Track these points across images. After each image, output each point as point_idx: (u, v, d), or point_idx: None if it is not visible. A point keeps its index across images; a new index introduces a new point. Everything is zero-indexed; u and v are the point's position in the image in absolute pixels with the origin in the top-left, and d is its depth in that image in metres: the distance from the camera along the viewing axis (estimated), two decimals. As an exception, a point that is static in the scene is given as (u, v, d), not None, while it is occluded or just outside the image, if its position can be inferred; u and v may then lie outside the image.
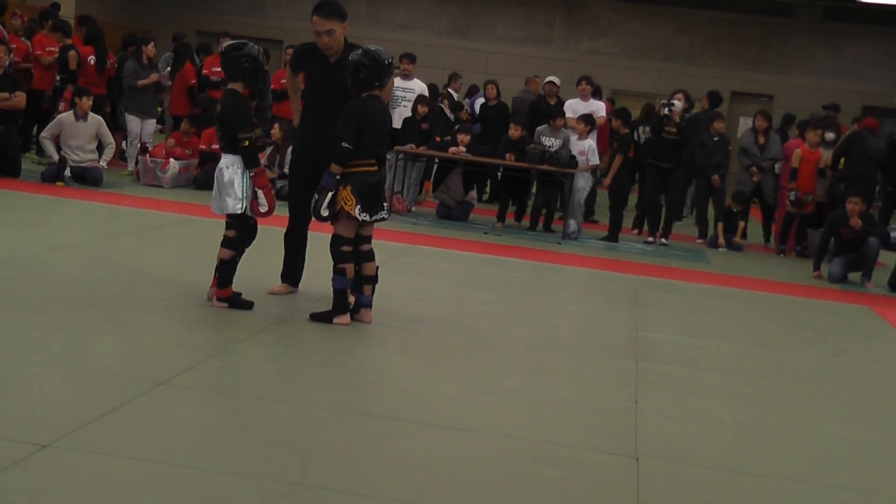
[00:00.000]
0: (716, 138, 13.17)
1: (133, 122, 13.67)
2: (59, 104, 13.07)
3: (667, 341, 7.03)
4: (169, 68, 14.94)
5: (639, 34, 25.02)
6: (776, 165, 13.31)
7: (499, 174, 13.63)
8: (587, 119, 12.65)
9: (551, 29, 25.42)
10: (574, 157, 12.10)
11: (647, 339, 6.97)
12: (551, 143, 12.63)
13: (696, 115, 14.71)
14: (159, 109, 15.05)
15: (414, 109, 13.03)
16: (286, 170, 12.42)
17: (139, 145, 13.38)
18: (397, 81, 13.37)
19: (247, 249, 6.45)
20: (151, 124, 13.89)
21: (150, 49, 14.06)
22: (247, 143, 6.21)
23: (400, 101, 13.15)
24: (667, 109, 12.44)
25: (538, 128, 12.96)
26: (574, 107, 13.44)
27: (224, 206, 6.28)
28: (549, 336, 6.83)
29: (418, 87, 13.52)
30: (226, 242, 6.33)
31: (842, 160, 12.77)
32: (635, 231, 13.62)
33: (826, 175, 12.85)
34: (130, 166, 13.42)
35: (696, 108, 15.65)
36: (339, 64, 6.50)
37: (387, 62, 6.17)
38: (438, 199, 13.13)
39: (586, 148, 12.41)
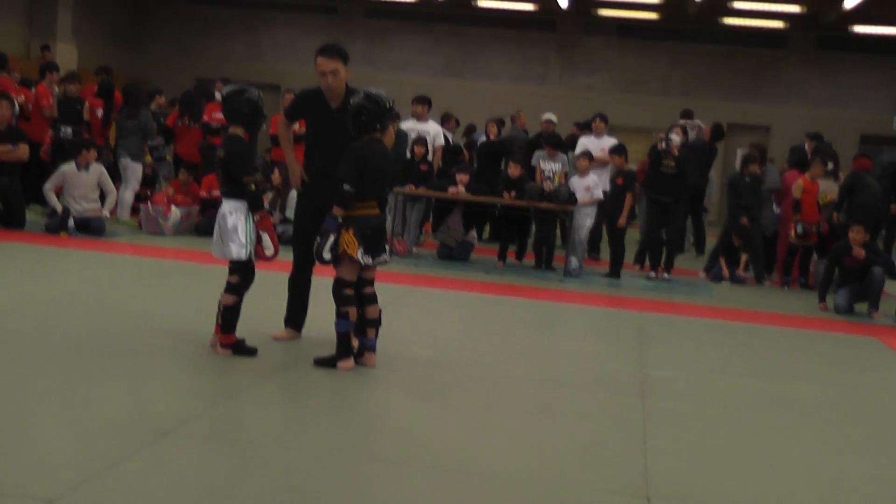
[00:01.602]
0: (747, 179, 13.09)
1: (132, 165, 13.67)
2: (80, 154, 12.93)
3: (673, 377, 6.99)
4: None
5: (633, 68, 25.17)
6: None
7: (496, 211, 13.63)
8: (587, 156, 12.65)
9: (546, 66, 25.57)
10: (573, 193, 12.10)
11: (653, 375, 6.93)
12: (550, 167, 12.67)
13: (693, 144, 14.74)
14: (168, 157, 15.07)
15: (412, 150, 13.07)
16: (287, 214, 12.46)
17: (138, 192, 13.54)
18: (412, 124, 13.44)
19: (246, 294, 6.43)
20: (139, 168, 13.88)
21: (160, 100, 14.52)
22: (252, 186, 6.21)
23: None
24: (664, 144, 12.45)
25: (536, 153, 13.05)
26: (587, 144, 13.45)
27: (228, 251, 6.26)
28: (554, 375, 6.79)
29: (434, 129, 13.58)
30: (229, 288, 6.31)
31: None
32: (637, 266, 13.59)
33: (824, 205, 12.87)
34: (125, 214, 13.39)
35: (692, 131, 15.62)
36: (340, 110, 6.51)
37: (388, 105, 6.19)
38: (439, 239, 13.12)
39: (591, 183, 12.41)
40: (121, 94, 14.30)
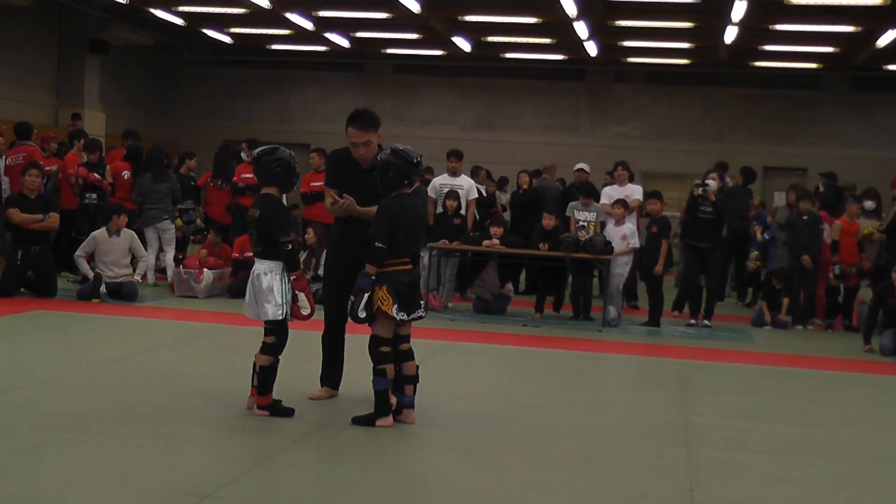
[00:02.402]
0: (805, 217, 13.05)
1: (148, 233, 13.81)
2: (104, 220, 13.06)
3: (718, 425, 6.93)
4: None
5: (665, 115, 25.19)
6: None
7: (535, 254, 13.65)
8: (622, 203, 12.66)
9: (577, 116, 25.66)
10: (609, 242, 12.10)
11: (698, 424, 6.88)
12: (584, 216, 12.70)
13: (730, 190, 14.74)
14: (198, 220, 15.23)
15: (444, 205, 13.15)
16: (321, 272, 12.52)
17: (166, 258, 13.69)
18: (445, 179, 13.54)
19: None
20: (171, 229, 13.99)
21: (192, 163, 14.74)
22: (289, 246, 6.27)
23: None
24: (701, 189, 12.45)
25: (570, 203, 13.10)
26: (610, 193, 13.45)
27: (264, 312, 6.30)
28: (595, 426, 6.76)
29: (467, 183, 13.68)
30: (265, 349, 6.34)
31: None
32: (676, 313, 13.54)
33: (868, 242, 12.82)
34: (150, 277, 13.51)
35: (731, 181, 15.66)
36: (370, 170, 6.54)
37: (415, 161, 6.25)
38: (475, 293, 13.14)
39: (626, 232, 12.41)
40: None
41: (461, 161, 13.81)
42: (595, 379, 9.08)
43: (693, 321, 12.59)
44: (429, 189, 13.67)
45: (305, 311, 6.35)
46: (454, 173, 13.67)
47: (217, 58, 26.91)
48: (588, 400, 7.80)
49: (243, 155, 14.86)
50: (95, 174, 13.98)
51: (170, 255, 13.77)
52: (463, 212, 13.19)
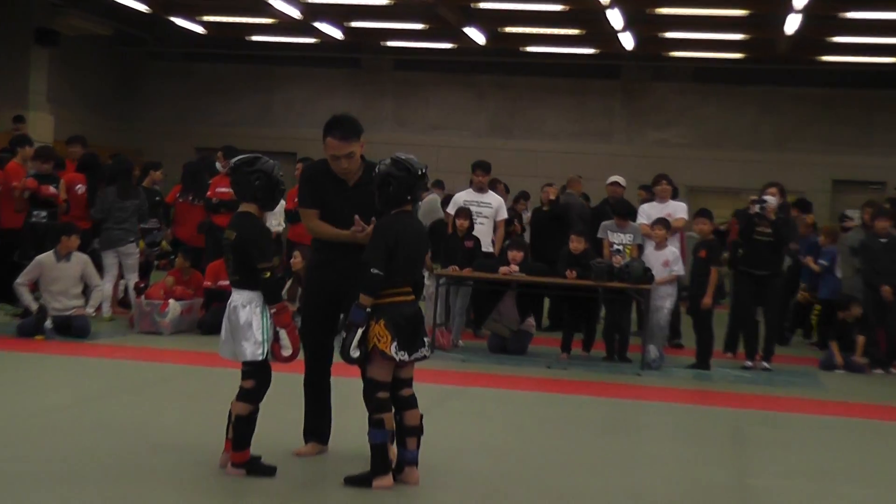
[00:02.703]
0: (883, 240, 13.00)
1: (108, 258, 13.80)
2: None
3: (780, 487, 6.89)
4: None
5: (715, 119, 25.23)
6: None
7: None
8: (664, 223, 12.63)
9: (610, 120, 25.72)
10: (648, 269, 12.08)
11: (756, 486, 6.84)
12: (620, 239, 12.68)
13: (790, 220, 14.68)
14: (163, 243, 15.24)
15: (453, 224, 13.15)
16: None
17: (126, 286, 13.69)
18: (470, 195, 13.59)
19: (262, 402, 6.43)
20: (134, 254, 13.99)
21: (157, 175, 14.96)
22: (268, 274, 6.26)
23: (476, 217, 13.32)
24: (758, 207, 12.43)
25: (603, 223, 13.08)
26: (650, 211, 13.43)
27: (241, 351, 6.29)
28: (634, 488, 6.71)
29: (495, 201, 13.74)
30: (243, 395, 6.32)
31: None
32: (729, 354, 13.49)
33: None
34: (106, 309, 13.51)
35: (790, 199, 15.65)
36: (357, 186, 6.56)
37: (419, 172, 6.24)
38: (490, 329, 13.11)
39: (669, 257, 12.39)
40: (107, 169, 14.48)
41: (489, 174, 13.88)
42: (632, 431, 9.03)
43: (749, 363, 12.54)
44: (450, 206, 13.71)
45: (287, 352, 6.32)
46: (481, 189, 13.72)
47: (187, 51, 27.07)
48: (625, 456, 7.75)
49: (218, 165, 14.85)
50: (51, 187, 13.92)
51: (132, 283, 13.75)
52: (476, 233, 13.19)
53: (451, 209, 13.67)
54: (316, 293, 6.82)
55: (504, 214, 13.83)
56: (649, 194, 14.96)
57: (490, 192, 13.92)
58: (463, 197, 13.70)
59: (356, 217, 6.47)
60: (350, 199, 6.60)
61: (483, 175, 13.75)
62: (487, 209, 13.54)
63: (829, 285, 14.49)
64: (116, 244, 13.74)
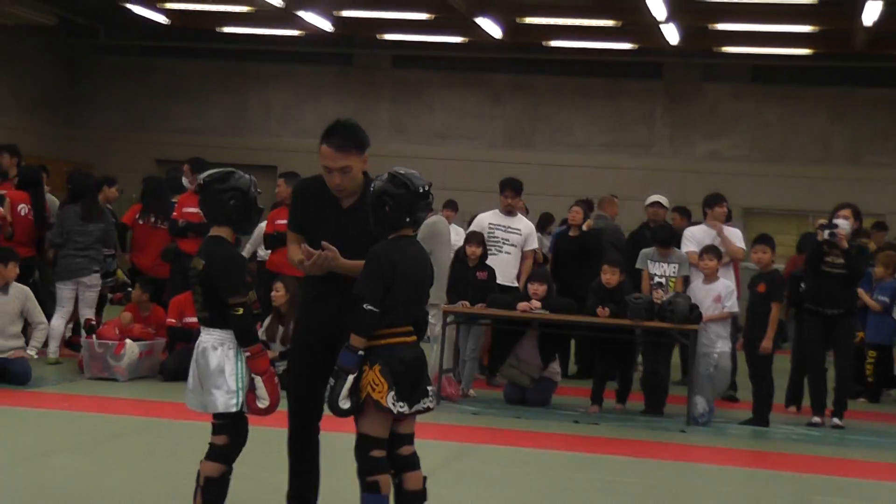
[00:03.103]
0: None
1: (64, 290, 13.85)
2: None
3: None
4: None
5: (776, 127, 25.21)
6: None
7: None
8: (715, 252, 12.63)
9: (650, 128, 25.73)
10: (696, 306, 12.11)
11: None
12: (662, 270, 12.72)
13: (865, 249, 14.69)
14: (118, 272, 15.29)
15: (463, 252, 13.22)
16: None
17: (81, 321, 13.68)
18: (497, 218, 13.70)
19: (236, 461, 6.46)
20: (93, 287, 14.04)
21: (111, 192, 14.91)
22: (240, 311, 6.29)
23: (502, 245, 13.42)
24: (827, 233, 12.44)
25: (643, 251, 13.12)
26: (699, 237, 13.42)
27: (211, 402, 6.31)
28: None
29: (525, 227, 13.89)
30: (213, 454, 6.35)
31: None
32: (792, 408, 13.51)
33: None
34: (53, 350, 13.56)
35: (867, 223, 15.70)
36: (354, 210, 6.55)
37: (421, 190, 6.24)
38: (507, 376, 13.14)
39: (721, 292, 12.41)
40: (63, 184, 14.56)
41: (520, 195, 14.00)
42: (676, 500, 9.07)
43: (817, 419, 12.54)
44: (471, 228, 13.80)
45: (263, 403, 6.35)
46: (509, 212, 13.82)
47: (146, 44, 27.20)
48: (666, 529, 7.79)
49: (185, 181, 14.90)
50: None
51: (83, 320, 13.75)
52: (500, 263, 13.26)
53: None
54: (306, 334, 6.80)
55: (534, 244, 13.91)
56: (686, 220, 15.00)
57: (520, 216, 14.00)
58: (488, 219, 13.77)
59: (304, 245, 6.44)
60: (342, 222, 6.58)
61: (513, 196, 13.84)
62: (516, 236, 13.63)
63: (885, 327, 14.47)
64: (78, 274, 13.79)
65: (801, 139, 25.07)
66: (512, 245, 13.66)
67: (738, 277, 13.81)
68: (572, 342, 15.17)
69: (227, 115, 26.99)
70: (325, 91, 26.35)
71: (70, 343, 14.40)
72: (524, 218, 14.21)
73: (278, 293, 12.68)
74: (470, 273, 13.09)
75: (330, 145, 6.52)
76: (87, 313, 13.83)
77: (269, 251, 13.91)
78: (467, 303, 12.77)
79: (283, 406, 6.58)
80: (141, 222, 14.73)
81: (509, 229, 13.70)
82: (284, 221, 12.74)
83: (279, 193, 14.06)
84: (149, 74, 27.38)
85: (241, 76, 27.01)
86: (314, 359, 6.64)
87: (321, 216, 6.65)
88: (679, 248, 13.27)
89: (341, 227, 6.55)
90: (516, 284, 13.58)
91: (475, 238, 13.24)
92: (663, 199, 15.30)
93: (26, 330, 12.63)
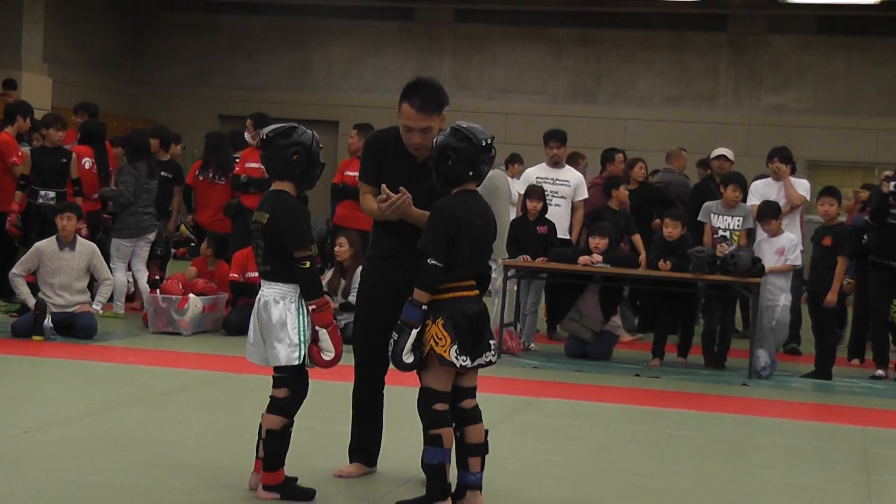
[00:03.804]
0: None
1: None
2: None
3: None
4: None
5: (844, 78, 24.98)
6: None
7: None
8: (774, 210, 12.48)
9: (714, 80, 25.56)
10: (759, 260, 12.04)
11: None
12: (727, 223, 12.66)
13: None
14: (184, 229, 15.33)
15: (524, 206, 13.20)
16: (353, 298, 12.55)
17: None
18: (545, 171, 13.67)
19: (299, 414, 6.50)
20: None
21: (177, 149, 15.06)
22: (307, 264, 6.31)
23: (551, 197, 13.40)
24: (893, 185, 12.35)
25: (705, 204, 13.05)
26: (762, 190, 13.34)
27: (274, 355, 6.35)
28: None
29: (574, 178, 13.83)
30: (275, 407, 6.39)
31: None
32: (855, 361, 13.44)
33: None
34: (117, 305, 13.66)
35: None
36: (427, 164, 6.54)
37: (484, 143, 6.24)
38: (568, 330, 13.14)
39: (785, 245, 12.34)
40: (120, 143, 14.60)
41: (565, 146, 13.93)
42: (739, 453, 9.03)
43: (880, 372, 12.48)
44: (519, 184, 13.78)
45: (328, 356, 6.36)
46: (556, 163, 13.77)
47: (209, 0, 27.20)
48: (731, 483, 7.76)
49: (247, 136, 14.93)
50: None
51: (142, 275, 13.82)
52: (550, 216, 13.23)
53: (520, 187, 13.72)
54: (375, 288, 6.84)
55: (584, 194, 13.81)
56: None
57: (567, 167, 13.95)
58: (535, 173, 13.74)
59: (383, 186, 6.49)
60: (414, 178, 6.60)
61: (559, 146, 13.76)
62: (564, 188, 13.58)
63: None
64: (144, 232, 13.83)
65: (868, 91, 24.83)
66: (561, 197, 13.60)
67: (802, 231, 13.71)
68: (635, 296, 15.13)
69: (290, 71, 27.04)
70: (386, 46, 26.33)
71: (128, 298, 14.35)
72: (572, 169, 14.11)
73: (342, 248, 12.67)
74: (530, 227, 13.08)
75: (412, 105, 6.56)
76: (141, 267, 13.90)
77: (335, 202, 13.92)
78: (528, 257, 12.77)
79: (345, 359, 6.59)
80: (200, 178, 14.76)
81: (557, 181, 13.64)
82: (353, 174, 12.94)
83: (351, 145, 14.11)
84: (212, 31, 27.46)
85: (304, 32, 27.01)
86: (381, 314, 6.65)
87: (393, 169, 6.69)
88: (745, 201, 13.15)
89: (413, 180, 6.57)
90: (569, 236, 13.55)
91: (535, 192, 13.20)
92: (728, 152, 15.22)
93: (91, 285, 12.70)
